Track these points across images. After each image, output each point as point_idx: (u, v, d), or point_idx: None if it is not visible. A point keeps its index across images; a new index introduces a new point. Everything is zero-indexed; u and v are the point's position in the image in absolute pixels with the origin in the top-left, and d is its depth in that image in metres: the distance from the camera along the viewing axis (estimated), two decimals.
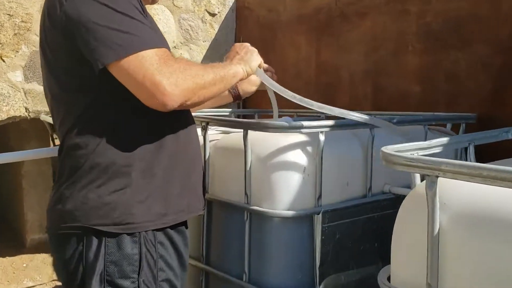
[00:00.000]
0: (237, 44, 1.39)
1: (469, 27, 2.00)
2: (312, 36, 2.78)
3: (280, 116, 1.82)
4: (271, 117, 2.86)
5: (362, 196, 1.59)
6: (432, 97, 2.20)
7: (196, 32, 3.38)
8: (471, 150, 1.17)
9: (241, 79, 1.31)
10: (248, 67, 1.32)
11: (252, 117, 2.76)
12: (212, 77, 1.15)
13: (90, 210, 1.09)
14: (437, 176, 0.82)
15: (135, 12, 1.07)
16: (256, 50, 1.39)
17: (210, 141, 1.62)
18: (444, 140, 1.11)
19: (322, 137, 1.42)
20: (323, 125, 1.41)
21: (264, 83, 1.48)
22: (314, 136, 1.43)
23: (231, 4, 3.45)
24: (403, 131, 1.64)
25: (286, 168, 1.42)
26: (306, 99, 1.47)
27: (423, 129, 1.75)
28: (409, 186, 1.74)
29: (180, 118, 1.22)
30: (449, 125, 1.90)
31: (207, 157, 1.58)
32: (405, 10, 2.29)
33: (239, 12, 3.43)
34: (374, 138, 1.56)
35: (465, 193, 0.84)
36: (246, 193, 1.46)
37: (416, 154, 1.03)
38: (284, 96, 1.46)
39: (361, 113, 1.53)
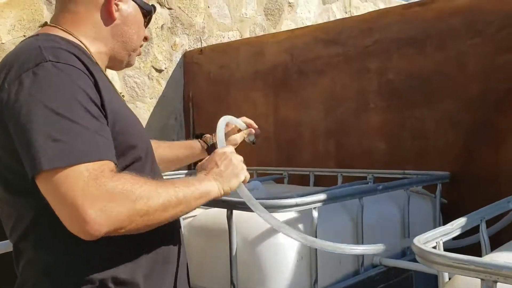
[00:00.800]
0: (218, 152, 1.12)
1: (435, 85, 2.01)
2: (269, 93, 2.70)
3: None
4: None
5: (355, 272, 1.46)
6: (398, 155, 2.17)
7: (143, 89, 3.21)
8: (484, 228, 1.09)
9: (216, 198, 1.04)
10: (226, 186, 1.05)
11: None
12: (163, 201, 0.90)
13: None
14: (496, 282, 0.71)
15: (79, 112, 0.87)
16: (241, 163, 1.11)
17: (184, 218, 1.44)
18: (462, 221, 1.02)
19: (315, 214, 1.29)
20: (316, 200, 1.28)
21: (244, 199, 1.13)
22: (306, 213, 1.30)
23: (178, 60, 3.33)
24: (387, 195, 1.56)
25: (277, 251, 1.27)
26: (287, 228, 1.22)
27: (403, 192, 1.68)
28: (397, 255, 1.66)
29: None
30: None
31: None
32: (365, 68, 2.28)
33: (187, 68, 3.31)
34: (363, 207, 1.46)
35: None
36: (232, 282, 1.28)
37: (441, 242, 0.93)
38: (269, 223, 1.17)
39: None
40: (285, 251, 1.27)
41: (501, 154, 1.83)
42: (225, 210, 1.28)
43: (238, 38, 3.55)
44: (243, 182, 1.10)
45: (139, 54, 1.16)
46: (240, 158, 1.13)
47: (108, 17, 1.05)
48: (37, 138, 0.83)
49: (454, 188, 1.92)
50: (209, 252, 1.38)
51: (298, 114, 2.56)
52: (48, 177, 0.83)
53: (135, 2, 1.09)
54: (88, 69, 0.93)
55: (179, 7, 3.29)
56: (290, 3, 3.96)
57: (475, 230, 1.15)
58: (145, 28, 1.15)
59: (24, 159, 0.85)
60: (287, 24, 3.92)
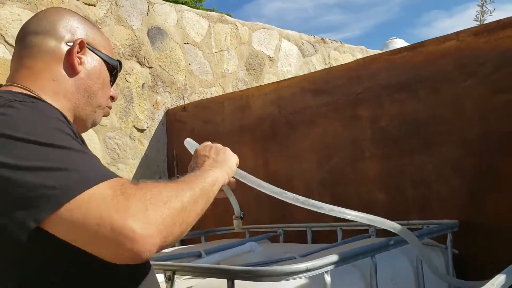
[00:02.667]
0: (199, 147, 1.11)
1: (431, 129, 1.94)
2: (258, 146, 2.60)
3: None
4: (222, 237, 2.57)
5: None
6: (400, 204, 2.06)
7: (124, 150, 3.08)
8: None
9: (223, 185, 1.01)
10: (227, 168, 1.05)
11: (198, 239, 2.44)
12: (190, 195, 0.83)
13: None
14: None
15: (67, 140, 0.78)
16: (226, 147, 1.13)
17: None
18: (502, 278, 0.89)
19: (328, 278, 1.14)
20: (328, 263, 1.14)
21: (247, 183, 1.16)
22: (317, 278, 1.16)
23: (160, 118, 3.24)
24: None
25: None
26: (312, 201, 1.21)
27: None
28: None
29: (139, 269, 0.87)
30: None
31: None
32: (356, 115, 2.21)
33: (170, 126, 3.22)
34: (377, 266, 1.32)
35: None
36: None
37: None
38: (279, 198, 1.17)
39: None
40: None
41: (508, 198, 1.74)
42: (225, 280, 1.13)
43: (221, 93, 3.49)
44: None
45: (107, 115, 1.07)
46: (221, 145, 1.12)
47: (71, 70, 0.96)
48: (32, 175, 0.72)
49: (464, 237, 1.80)
50: None
51: (290, 166, 2.46)
52: (64, 213, 0.70)
53: (99, 56, 1.01)
54: (64, 117, 0.83)
55: (160, 66, 3.24)
56: (270, 57, 3.96)
57: None
58: (111, 85, 1.07)
59: (19, 211, 0.72)
60: (269, 77, 3.90)
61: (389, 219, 2.02)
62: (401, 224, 1.86)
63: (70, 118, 0.96)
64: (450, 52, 1.85)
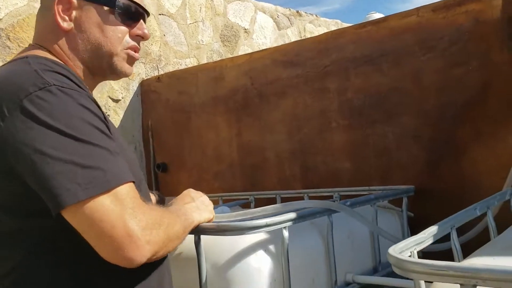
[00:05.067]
0: (192, 190, 1.20)
1: (393, 101, 2.04)
2: (231, 117, 2.68)
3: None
4: None
5: None
6: (363, 172, 2.18)
7: None
8: (455, 236, 1.09)
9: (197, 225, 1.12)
10: (202, 218, 1.13)
11: None
12: (180, 227, 0.95)
13: None
14: (475, 286, 0.70)
15: (97, 137, 0.83)
16: (211, 204, 1.23)
17: None
18: (434, 229, 1.01)
19: (286, 233, 1.25)
20: (286, 220, 1.25)
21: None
22: (276, 234, 1.26)
23: (135, 89, 3.28)
24: (357, 212, 1.55)
25: (249, 276, 1.22)
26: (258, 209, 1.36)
27: (370, 207, 1.68)
28: (369, 271, 1.65)
29: None
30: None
31: None
32: (325, 87, 2.31)
33: (145, 96, 3.26)
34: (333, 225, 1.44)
35: None
36: None
37: (415, 251, 0.91)
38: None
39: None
40: (257, 274, 1.23)
41: (463, 165, 1.87)
42: (192, 236, 1.23)
43: (196, 64, 3.54)
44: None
45: (135, 58, 1.04)
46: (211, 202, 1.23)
47: (62, 32, 0.96)
48: (63, 166, 0.77)
49: (420, 201, 1.93)
50: (178, 281, 1.31)
51: (262, 137, 2.55)
52: (85, 208, 0.77)
53: (89, 1, 0.96)
54: (91, 98, 0.88)
55: None
56: (245, 29, 4.00)
57: (444, 239, 1.15)
58: (131, 24, 1.01)
59: (47, 196, 0.78)
60: (244, 49, 3.95)
61: (353, 186, 2.16)
62: (363, 191, 2.00)
63: (89, 77, 0.99)
64: (411, 27, 1.94)
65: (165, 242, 0.87)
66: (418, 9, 1.91)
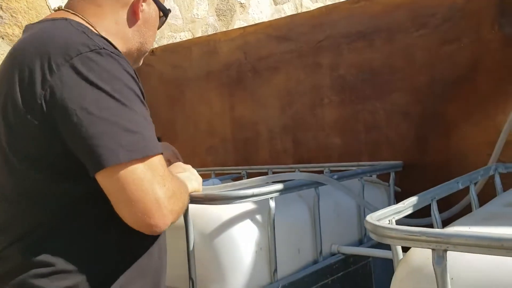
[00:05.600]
0: (181, 163, 1.26)
1: (384, 78, 2.05)
2: (224, 92, 2.69)
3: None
4: None
5: (313, 261, 1.47)
6: (353, 148, 2.20)
7: None
8: (435, 207, 1.12)
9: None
10: (192, 187, 1.18)
11: None
12: (187, 196, 1.03)
13: None
14: (446, 250, 0.73)
15: (138, 104, 0.87)
16: (200, 177, 1.27)
17: None
18: (414, 199, 1.04)
19: (272, 204, 1.28)
20: (273, 190, 1.27)
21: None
22: (263, 204, 1.29)
23: None
24: (343, 185, 1.58)
25: (235, 244, 1.25)
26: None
27: (358, 181, 1.71)
28: (354, 243, 1.68)
29: None
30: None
31: None
32: (317, 63, 2.31)
33: (138, 69, 3.24)
34: (320, 197, 1.47)
35: (476, 266, 0.76)
36: (190, 278, 1.25)
37: (393, 219, 0.94)
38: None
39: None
40: (244, 243, 1.26)
41: (451, 142, 1.89)
42: None
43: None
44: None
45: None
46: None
47: (132, 17, 1.04)
48: (106, 130, 0.80)
49: (407, 177, 1.97)
50: (167, 248, 1.34)
51: (255, 112, 2.56)
52: (122, 171, 0.80)
53: (157, 5, 1.09)
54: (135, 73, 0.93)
55: None
56: (241, 3, 3.97)
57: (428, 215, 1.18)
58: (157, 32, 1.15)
59: (89, 152, 0.81)
60: (239, 24, 3.92)
61: (343, 162, 2.19)
62: (352, 166, 2.03)
63: None
64: (404, 4, 1.94)
65: (181, 211, 0.93)
66: None
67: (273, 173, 2.35)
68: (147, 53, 1.15)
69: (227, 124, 2.70)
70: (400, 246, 0.91)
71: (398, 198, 1.93)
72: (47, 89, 0.82)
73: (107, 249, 0.92)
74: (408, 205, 0.99)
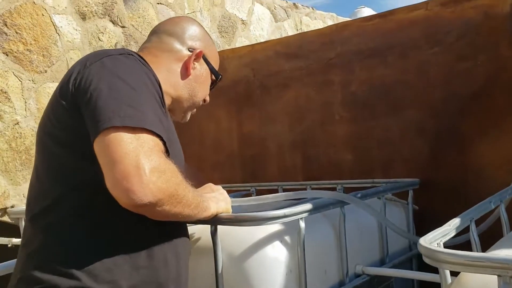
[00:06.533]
0: (211, 184, 1.26)
1: (398, 94, 2.05)
2: (232, 108, 2.67)
3: None
4: None
5: (340, 282, 1.44)
6: (366, 164, 2.19)
7: None
8: (474, 228, 1.10)
9: (208, 217, 1.12)
10: (220, 208, 1.16)
11: None
12: (191, 197, 0.98)
13: None
14: None
15: (150, 96, 0.95)
16: (229, 198, 1.25)
17: None
18: (457, 221, 1.02)
19: (302, 224, 1.25)
20: (303, 210, 1.25)
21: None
22: (292, 224, 1.26)
23: None
24: (368, 204, 1.56)
25: (266, 266, 1.22)
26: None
27: (377, 199, 1.69)
28: (376, 262, 1.66)
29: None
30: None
31: None
32: (328, 80, 2.30)
33: None
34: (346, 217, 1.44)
35: None
36: None
37: (441, 242, 0.92)
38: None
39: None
40: (274, 265, 1.23)
41: (467, 158, 1.89)
42: (209, 226, 1.22)
43: None
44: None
45: (194, 113, 1.28)
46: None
47: (184, 71, 1.18)
48: (111, 102, 0.89)
49: (424, 194, 1.95)
50: (194, 270, 1.30)
51: (263, 128, 2.54)
52: (112, 133, 0.85)
53: (209, 67, 1.23)
54: (159, 86, 1.01)
55: (132, 25, 3.21)
56: (243, 20, 3.98)
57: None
58: (209, 91, 1.28)
59: (92, 120, 0.88)
60: (241, 41, 3.92)
61: (355, 178, 2.16)
62: (366, 183, 2.01)
63: (168, 102, 1.16)
64: (418, 21, 1.95)
65: (172, 195, 0.90)
66: (426, 2, 1.91)
67: (284, 190, 2.32)
68: (195, 109, 1.26)
69: (234, 140, 2.68)
70: (448, 270, 0.89)
71: (415, 216, 1.91)
72: (78, 78, 0.95)
73: (119, 241, 0.95)
74: (453, 227, 0.98)
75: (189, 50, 1.19)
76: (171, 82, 1.16)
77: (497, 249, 0.97)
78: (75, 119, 0.93)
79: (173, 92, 1.17)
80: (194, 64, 1.19)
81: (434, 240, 0.89)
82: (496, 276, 0.72)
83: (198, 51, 1.19)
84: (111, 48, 1.12)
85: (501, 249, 0.96)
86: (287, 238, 1.28)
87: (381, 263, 1.66)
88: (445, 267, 0.78)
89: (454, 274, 0.91)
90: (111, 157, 0.84)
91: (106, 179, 0.86)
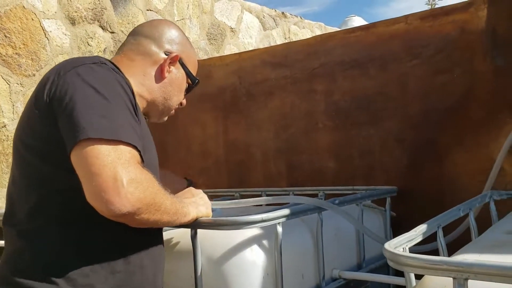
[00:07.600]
0: (192, 188, 1.30)
1: (379, 105, 2.11)
2: (218, 115, 2.71)
3: None
4: None
5: (316, 286, 1.48)
6: (347, 172, 2.24)
7: None
8: (441, 234, 1.15)
9: (188, 222, 1.16)
10: (200, 212, 1.20)
11: None
12: (169, 205, 1.02)
13: None
14: (467, 279, 0.76)
15: (122, 106, 0.97)
16: (209, 202, 1.29)
17: None
18: (424, 227, 1.07)
19: (280, 229, 1.30)
20: (280, 216, 1.29)
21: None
22: (270, 229, 1.31)
23: None
24: (344, 211, 1.61)
25: (243, 269, 1.26)
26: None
27: (355, 206, 1.74)
28: (353, 267, 1.71)
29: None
30: None
31: None
32: (312, 89, 2.36)
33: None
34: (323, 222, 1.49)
35: None
36: None
37: (407, 247, 0.97)
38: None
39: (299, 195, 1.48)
40: (251, 268, 1.27)
41: (443, 168, 1.95)
42: (189, 230, 1.26)
43: None
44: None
45: (171, 115, 1.31)
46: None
47: (159, 75, 1.19)
48: (86, 113, 0.91)
49: (402, 202, 2.01)
50: (174, 273, 1.34)
51: (249, 135, 2.59)
52: (87, 147, 0.87)
53: (185, 71, 1.25)
54: (132, 93, 1.03)
55: (122, 31, 3.25)
56: (232, 28, 4.03)
57: (426, 242, 1.21)
58: (184, 95, 1.31)
59: (68, 132, 0.91)
60: (230, 48, 3.98)
61: (336, 185, 2.22)
62: (347, 190, 2.06)
63: (143, 105, 1.20)
64: (398, 34, 2.02)
65: (150, 204, 0.93)
66: (406, 16, 1.98)
67: (267, 195, 2.37)
68: (172, 111, 1.29)
69: (220, 147, 2.72)
70: (413, 273, 0.94)
71: (392, 222, 1.97)
72: (52, 88, 0.97)
73: (96, 246, 0.99)
74: (419, 232, 1.03)
75: (165, 54, 1.21)
76: (146, 86, 1.18)
77: (461, 254, 1.03)
78: (50, 128, 0.95)
79: (148, 96, 1.19)
80: (170, 67, 1.21)
81: (400, 245, 0.94)
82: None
83: (174, 55, 1.20)
84: (95, 55, 1.14)
85: (464, 254, 1.02)
86: (265, 242, 1.32)
87: (358, 267, 1.71)
88: (407, 269, 0.83)
89: (420, 278, 0.96)
90: (89, 170, 0.87)
91: (86, 190, 0.89)
